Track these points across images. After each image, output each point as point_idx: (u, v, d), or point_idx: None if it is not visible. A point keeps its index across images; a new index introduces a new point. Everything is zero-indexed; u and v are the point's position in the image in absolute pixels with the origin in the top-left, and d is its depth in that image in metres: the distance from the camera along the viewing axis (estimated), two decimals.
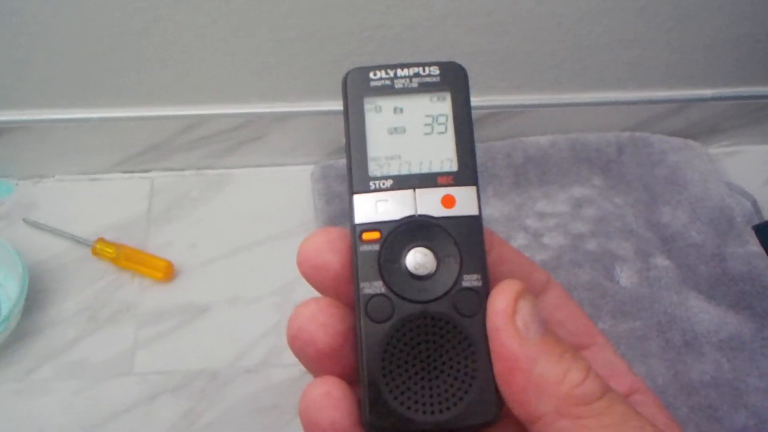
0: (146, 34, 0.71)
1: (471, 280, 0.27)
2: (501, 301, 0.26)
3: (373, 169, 0.29)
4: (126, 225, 0.80)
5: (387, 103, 0.29)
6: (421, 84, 0.29)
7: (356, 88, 0.30)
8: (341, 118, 0.85)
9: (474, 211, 0.28)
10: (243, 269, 0.77)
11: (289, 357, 0.72)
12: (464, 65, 0.82)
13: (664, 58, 0.81)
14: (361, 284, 0.28)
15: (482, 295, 0.27)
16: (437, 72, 0.30)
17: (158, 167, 0.85)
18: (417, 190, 0.28)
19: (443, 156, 0.29)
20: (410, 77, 0.30)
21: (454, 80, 0.30)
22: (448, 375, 0.27)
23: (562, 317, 0.30)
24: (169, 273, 0.75)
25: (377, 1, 0.70)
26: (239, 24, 0.71)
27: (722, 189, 0.80)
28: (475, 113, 0.86)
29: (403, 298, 0.27)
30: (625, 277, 0.74)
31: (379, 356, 0.27)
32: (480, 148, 0.82)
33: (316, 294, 0.29)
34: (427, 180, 0.28)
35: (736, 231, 0.75)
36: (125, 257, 0.75)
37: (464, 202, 0.28)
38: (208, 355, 0.71)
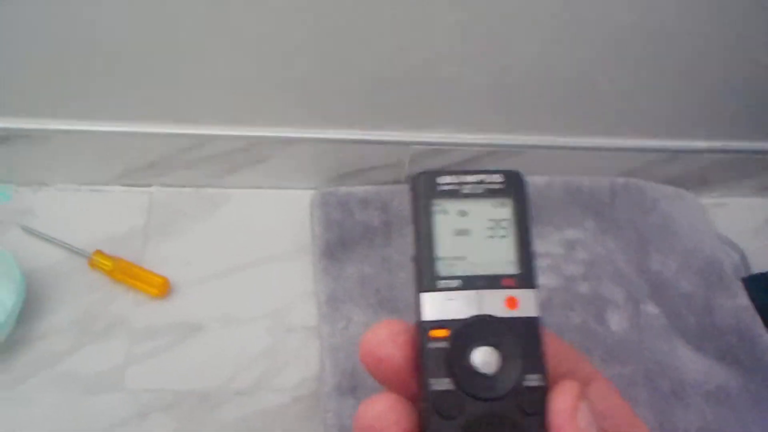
0: (156, 52, 0.72)
1: (533, 380, 0.29)
2: (564, 402, 0.27)
3: (441, 269, 0.30)
4: (123, 238, 0.80)
5: (453, 206, 0.31)
6: (485, 190, 0.31)
7: (425, 190, 0.31)
8: (342, 145, 0.86)
9: (535, 313, 0.30)
10: (237, 290, 0.78)
11: (281, 382, 0.73)
12: (466, 102, 0.84)
13: (661, 108, 0.83)
14: (430, 380, 0.28)
15: (543, 393, 0.28)
16: (501, 179, 0.31)
17: (158, 182, 0.85)
18: (482, 290, 0.30)
19: (505, 259, 0.30)
20: (476, 183, 0.31)
21: (515, 188, 0.31)
22: None
23: (607, 410, 0.31)
24: (165, 290, 0.75)
25: (388, 38, 0.72)
26: (250, 47, 0.72)
27: (713, 240, 0.82)
28: (474, 150, 0.87)
29: (471, 396, 0.28)
30: (616, 321, 0.75)
31: None
32: None
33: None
34: (492, 282, 0.30)
35: (725, 283, 0.77)
36: (121, 271, 0.75)
37: (526, 303, 0.30)
38: (199, 375, 0.71)
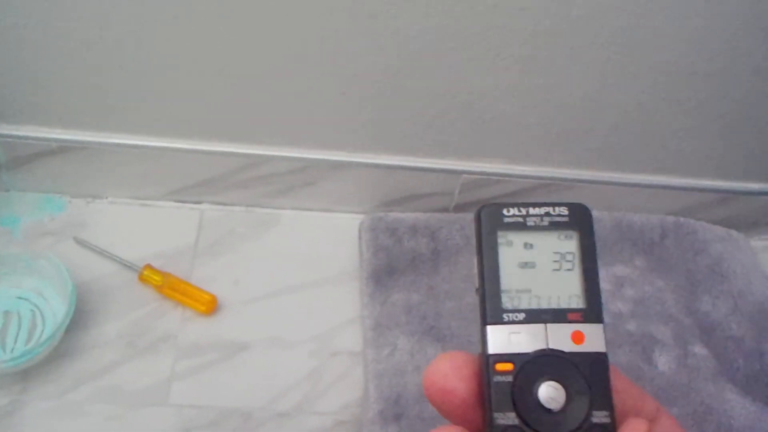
0: (218, 74, 0.73)
1: (600, 417, 0.28)
2: None
3: (506, 302, 0.29)
4: (173, 254, 0.81)
5: (518, 238, 0.30)
6: (551, 223, 0.31)
7: (490, 222, 0.31)
8: (394, 171, 0.86)
9: (601, 348, 0.29)
10: (284, 311, 0.78)
11: (324, 405, 0.73)
12: (519, 134, 0.83)
13: (715, 149, 0.83)
14: (495, 414, 0.28)
15: (611, 431, 0.28)
16: (566, 212, 0.31)
17: (209, 200, 0.86)
18: (548, 324, 0.29)
19: (571, 292, 0.30)
20: (541, 216, 0.31)
21: (581, 220, 0.31)
22: None
23: None
24: (213, 307, 0.76)
25: (449, 70, 0.72)
26: (309, 71, 0.73)
27: (764, 284, 0.80)
28: (527, 182, 0.87)
29: (537, 431, 0.28)
30: (663, 362, 0.74)
31: None
32: None
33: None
34: (558, 316, 0.29)
35: None
36: (170, 286, 0.76)
37: (593, 338, 0.29)
38: (243, 394, 0.71)
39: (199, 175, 0.83)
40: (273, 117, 0.78)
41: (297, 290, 0.80)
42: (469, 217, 0.88)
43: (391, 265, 0.79)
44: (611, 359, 0.78)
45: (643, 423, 0.27)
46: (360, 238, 0.82)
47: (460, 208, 0.87)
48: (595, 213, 0.91)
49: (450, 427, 0.28)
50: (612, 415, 0.28)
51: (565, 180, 0.85)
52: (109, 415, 0.68)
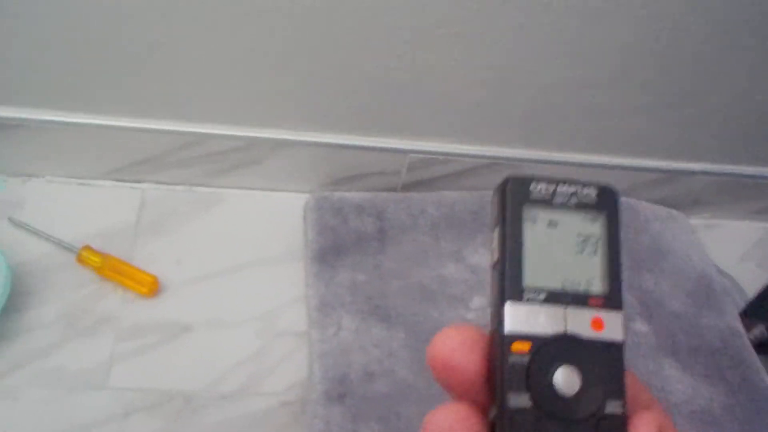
0: (157, 48, 0.71)
1: (614, 406, 0.27)
2: None
3: (527, 280, 0.29)
4: (112, 234, 0.79)
5: (544, 216, 0.29)
6: (578, 203, 0.30)
7: (516, 196, 0.29)
8: (339, 150, 0.85)
9: (619, 337, 0.28)
10: (227, 291, 0.77)
11: (268, 386, 0.72)
12: (468, 114, 0.83)
13: (659, 130, 0.84)
14: (507, 395, 0.27)
15: (622, 422, 0.27)
16: (595, 193, 0.30)
17: (150, 179, 0.84)
18: (569, 308, 0.28)
19: (593, 277, 0.29)
20: (569, 194, 0.30)
21: (608, 203, 0.30)
22: None
23: None
24: (154, 289, 0.74)
25: (393, 44, 0.71)
26: (251, 47, 0.71)
27: (704, 260, 0.82)
28: (474, 161, 0.87)
29: (549, 415, 0.27)
30: None
31: None
32: (474, 195, 0.83)
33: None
34: (579, 299, 0.29)
35: (712, 302, 0.78)
36: (110, 268, 0.74)
37: (612, 326, 0.28)
38: (185, 376, 0.70)
39: (139, 154, 0.81)
40: (214, 94, 0.76)
41: (241, 270, 0.79)
42: (417, 196, 0.88)
43: (336, 244, 0.79)
44: None
45: (657, 418, 0.27)
46: (305, 217, 0.81)
47: (407, 187, 0.87)
48: None
49: (455, 404, 0.27)
50: (625, 406, 0.28)
51: (511, 159, 0.85)
52: (47, 399, 0.67)
